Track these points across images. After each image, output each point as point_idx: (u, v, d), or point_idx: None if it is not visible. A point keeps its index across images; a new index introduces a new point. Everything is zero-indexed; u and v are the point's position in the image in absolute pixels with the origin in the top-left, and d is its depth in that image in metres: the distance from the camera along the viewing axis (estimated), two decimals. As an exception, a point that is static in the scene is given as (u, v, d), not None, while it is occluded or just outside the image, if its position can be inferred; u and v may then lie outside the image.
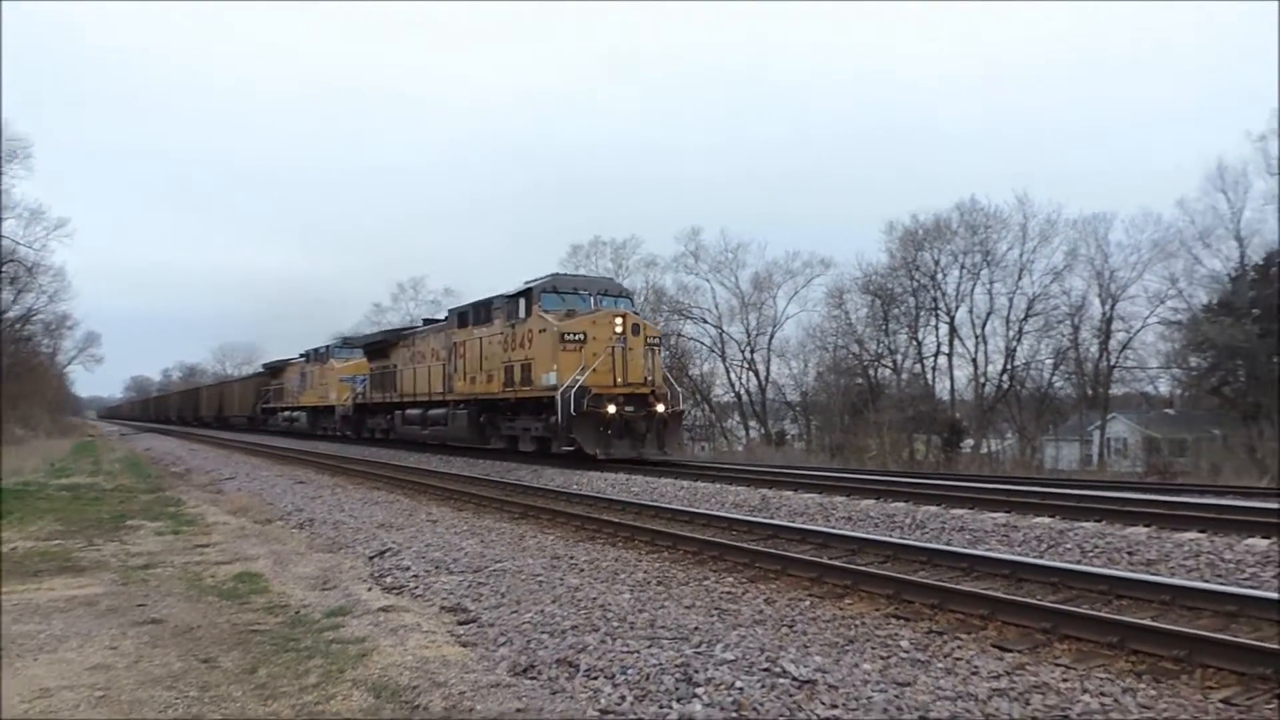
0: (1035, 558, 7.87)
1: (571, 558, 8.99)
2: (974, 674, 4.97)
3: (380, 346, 30.32)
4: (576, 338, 18.47)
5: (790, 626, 6.13)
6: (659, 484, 14.71)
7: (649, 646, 5.59)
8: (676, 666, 5.14)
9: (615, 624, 6.21)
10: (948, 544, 8.72)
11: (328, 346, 37.06)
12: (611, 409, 17.76)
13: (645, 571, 8.23)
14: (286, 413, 41.83)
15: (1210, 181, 43.37)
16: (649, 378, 18.76)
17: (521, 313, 19.95)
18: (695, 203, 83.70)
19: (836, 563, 7.84)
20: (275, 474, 21.07)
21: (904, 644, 5.60)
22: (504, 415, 21.17)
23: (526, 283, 20.31)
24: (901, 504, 11.20)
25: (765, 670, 5.04)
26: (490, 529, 11.26)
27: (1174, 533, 8.52)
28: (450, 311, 24.57)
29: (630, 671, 5.13)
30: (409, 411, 26.59)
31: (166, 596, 7.54)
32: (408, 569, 8.61)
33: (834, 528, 9.88)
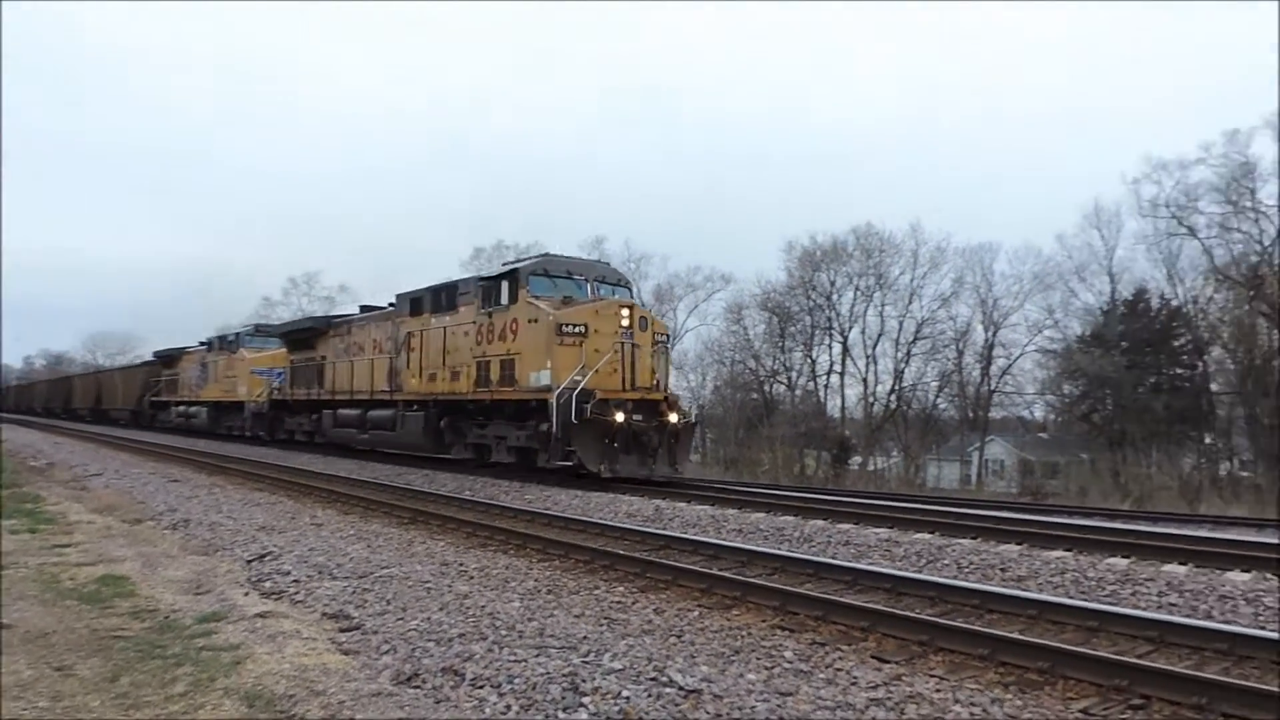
0: (915, 572, 8.15)
1: (461, 564, 8.84)
2: (853, 684, 5.11)
3: (304, 336, 26.43)
4: (576, 330, 15.37)
5: (679, 636, 6.17)
6: (554, 493, 14.63)
7: (537, 655, 5.53)
8: (564, 675, 5.11)
9: (503, 632, 6.13)
10: (833, 558, 8.95)
11: (237, 334, 32.81)
12: (620, 417, 14.79)
13: (536, 580, 8.16)
14: (182, 408, 37.20)
15: (1087, 220, 46.10)
16: (660, 381, 16.28)
17: (503, 298, 16.63)
18: (601, 212, 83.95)
19: (726, 574, 7.94)
20: (148, 471, 19.98)
21: (788, 655, 5.70)
22: (472, 420, 17.89)
23: (509, 263, 17.48)
24: (791, 518, 11.44)
25: (652, 680, 5.05)
26: (378, 534, 10.97)
27: (1043, 551, 8.97)
28: (399, 297, 20.87)
29: (517, 680, 5.07)
30: (343, 412, 22.90)
31: (18, 600, 7.04)
32: (288, 574, 8.29)
33: (725, 540, 10.01)
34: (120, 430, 40.50)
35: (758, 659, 5.61)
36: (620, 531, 10.56)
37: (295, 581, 7.95)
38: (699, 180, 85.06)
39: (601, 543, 9.91)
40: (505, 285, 16.74)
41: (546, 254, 17.51)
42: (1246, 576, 7.64)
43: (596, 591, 7.67)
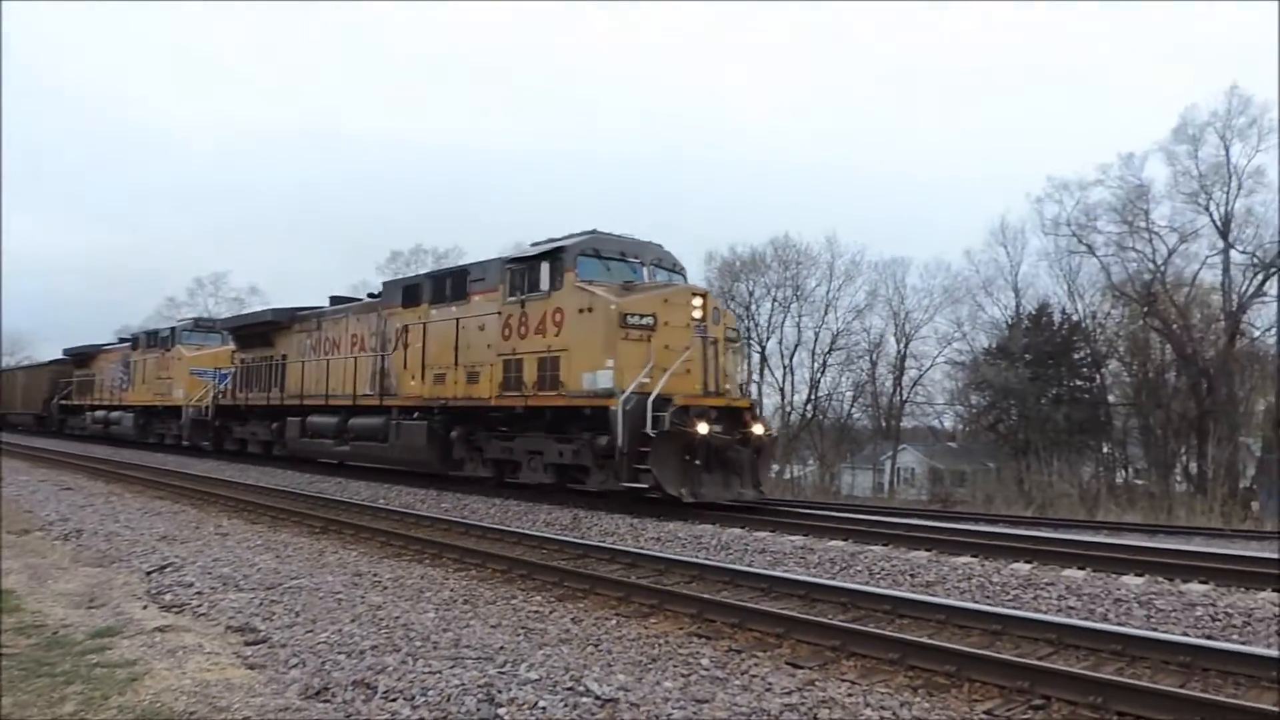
0: (828, 579, 8.30)
1: (375, 575, 8.63)
2: (768, 690, 5.16)
3: (259, 331, 23.12)
4: (644, 322, 12.65)
5: (596, 645, 6.15)
6: (469, 500, 14.44)
7: (452, 667, 5.44)
8: (479, 687, 5.03)
9: (418, 644, 6.01)
10: (750, 565, 9.04)
11: (172, 329, 28.93)
12: (703, 429, 12.15)
13: (452, 590, 8.03)
14: (101, 413, 32.94)
15: (994, 236, 47.90)
16: (743, 386, 14.40)
17: (543, 283, 13.69)
18: (523, 215, 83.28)
19: (644, 582, 7.95)
20: (37, 479, 18.97)
21: (705, 662, 5.74)
22: (493, 431, 14.95)
23: (554, 240, 14.10)
24: (708, 526, 11.53)
25: (569, 689, 5.02)
26: (287, 544, 10.64)
27: (951, 557, 9.24)
28: (388, 285, 18.37)
29: (431, 693, 4.97)
30: (314, 419, 19.52)
31: (-106, 615, 6.60)
32: (191, 585, 7.97)
33: (643, 548, 10.03)
34: (20, 438, 36.60)
35: (675, 667, 5.62)
36: (538, 540, 10.48)
37: (198, 594, 7.65)
38: (619, 184, 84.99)
39: (519, 552, 9.82)
40: (546, 268, 13.67)
41: (594, 231, 14.04)
42: (1140, 580, 8.00)
43: (514, 601, 7.59)
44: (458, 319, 15.47)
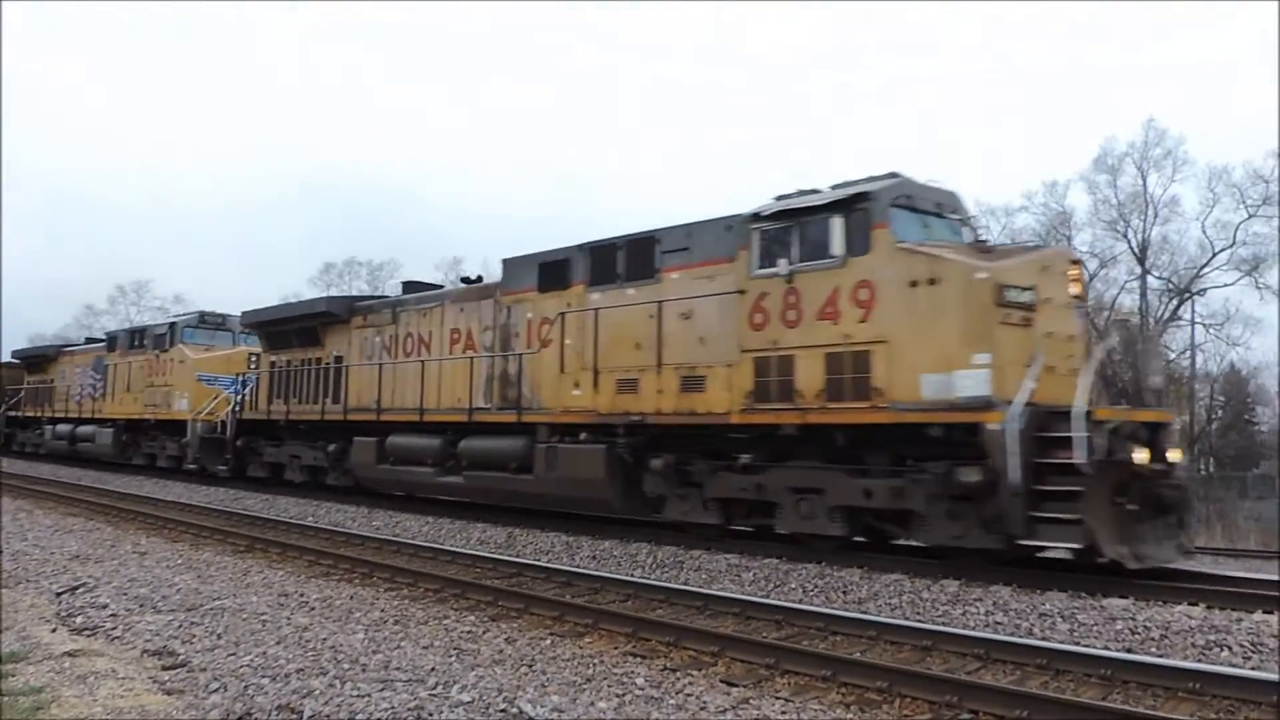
0: (763, 597, 8.34)
1: (302, 595, 8.39)
2: (702, 709, 5.15)
3: (300, 326, 18.56)
4: (1024, 298, 9.01)
5: (530, 666, 6.06)
6: (402, 519, 14.17)
7: (381, 689, 5.30)
8: (410, 710, 4.91)
9: (346, 666, 5.84)
10: (685, 583, 9.04)
11: (171, 324, 23.73)
12: (1141, 457, 8.35)
13: (383, 610, 7.84)
14: (65, 427, 27.31)
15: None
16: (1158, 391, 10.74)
17: (834, 245, 9.80)
18: (459, 229, 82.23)
19: (579, 601, 7.89)
20: (-57, 496, 18.05)
21: (640, 681, 5.70)
22: (720, 460, 10.94)
23: (853, 183, 10.31)
24: (644, 544, 11.49)
25: (502, 711, 4.93)
26: (210, 563, 10.29)
27: (882, 574, 9.36)
28: (511, 263, 13.97)
29: (359, 717, 4.84)
30: (400, 440, 14.99)
31: None
32: (105, 607, 7.64)
33: (578, 566, 9.95)
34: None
35: (609, 686, 5.57)
36: (471, 559, 10.32)
37: (112, 616, 7.33)
38: (545, 195, 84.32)
39: (452, 571, 9.66)
40: (838, 223, 9.83)
41: (898, 175, 10.26)
42: (1063, 595, 8.21)
43: (446, 621, 7.45)
44: (659, 303, 11.41)
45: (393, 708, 4.95)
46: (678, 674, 5.94)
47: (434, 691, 5.27)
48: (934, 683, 5.43)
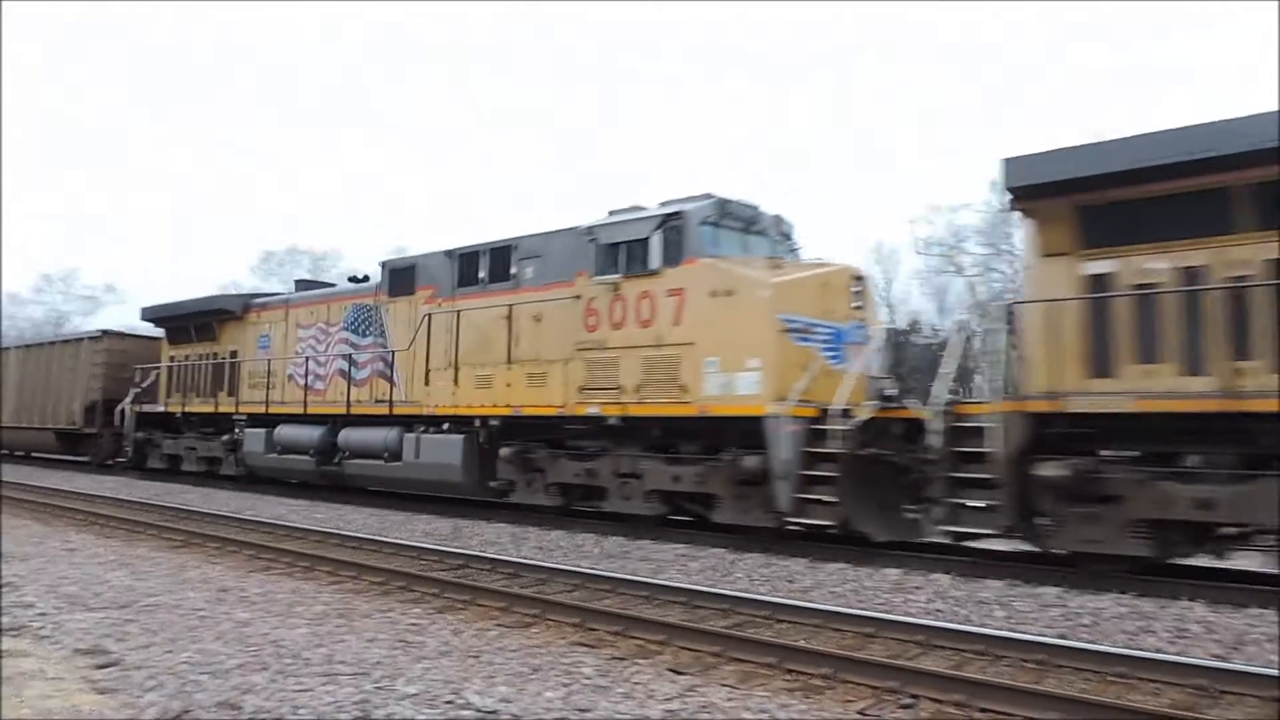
0: (710, 586, 8.40)
1: (242, 590, 8.22)
2: (650, 697, 5.18)
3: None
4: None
5: (477, 657, 6.03)
6: (344, 511, 13.96)
7: (325, 684, 5.22)
8: (355, 704, 4.85)
9: (288, 661, 5.74)
10: (633, 573, 9.07)
11: (670, 217, 11.28)
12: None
13: (326, 604, 7.72)
14: (297, 431, 17.05)
15: (870, 255, 49.94)
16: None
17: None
18: (412, 217, 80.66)
19: (526, 592, 7.87)
20: None
21: (587, 671, 5.70)
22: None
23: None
24: (590, 534, 11.50)
25: (449, 703, 4.89)
26: (145, 559, 10.02)
27: (826, 563, 9.51)
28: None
29: (303, 711, 4.76)
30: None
31: None
32: (31, 606, 7.38)
33: (525, 557, 9.92)
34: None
35: (557, 676, 5.57)
36: (416, 551, 10.22)
37: (40, 615, 7.09)
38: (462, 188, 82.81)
39: (397, 563, 9.55)
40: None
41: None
42: (1000, 583, 8.43)
43: (391, 614, 7.36)
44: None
45: (337, 701, 4.88)
46: (625, 663, 5.96)
47: (379, 685, 5.21)
48: (876, 668, 5.53)
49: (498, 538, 11.45)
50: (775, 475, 9.89)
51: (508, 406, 12.82)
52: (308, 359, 16.77)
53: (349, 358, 15.76)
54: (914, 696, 5.23)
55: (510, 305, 12.94)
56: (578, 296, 12.09)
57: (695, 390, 10.71)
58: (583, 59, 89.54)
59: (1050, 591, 8.01)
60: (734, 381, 10.40)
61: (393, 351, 14.88)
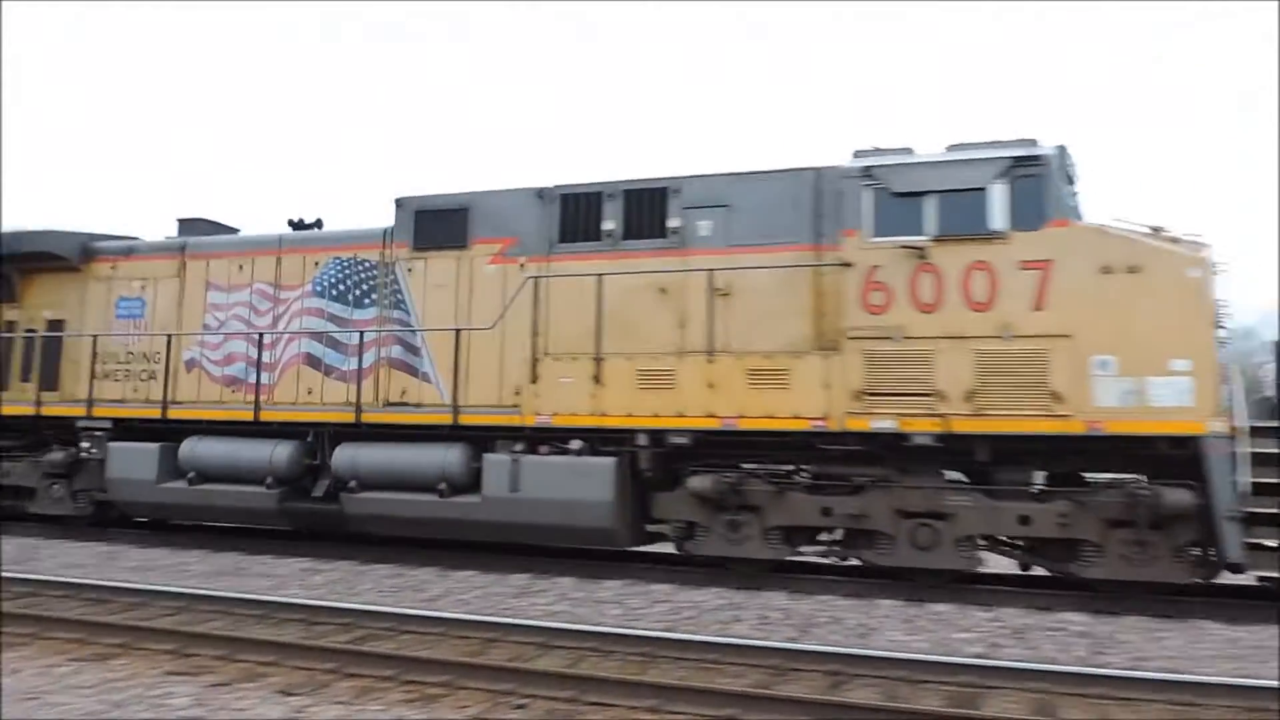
0: (332, 600, 8.01)
1: None
2: (251, 724, 4.80)
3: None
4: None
5: (36, 699, 5.18)
6: None
7: None
8: None
9: None
10: (245, 592, 8.38)
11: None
12: None
13: None
14: (226, 448, 11.27)
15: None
16: None
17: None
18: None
19: (111, 619, 6.94)
20: None
21: (179, 701, 5.16)
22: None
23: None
24: (199, 550, 10.46)
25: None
26: None
27: (455, 570, 9.51)
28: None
29: None
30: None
31: None
32: None
33: (115, 580, 8.75)
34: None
35: (140, 711, 4.96)
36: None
37: None
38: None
39: None
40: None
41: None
42: (618, 583, 8.99)
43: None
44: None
45: None
46: (228, 688, 5.47)
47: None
48: (494, 672, 5.62)
49: (82, 561, 9.97)
50: (1222, 515, 7.54)
51: (710, 417, 8.93)
52: (226, 337, 11.41)
53: (329, 338, 10.87)
54: (530, 697, 5.37)
55: (708, 270, 9.15)
56: (850, 264, 8.69)
57: (1078, 399, 7.91)
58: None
59: (663, 588, 8.69)
60: (1147, 389, 7.80)
61: (416, 330, 10.43)
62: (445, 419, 9.85)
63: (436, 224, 10.51)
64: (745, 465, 9.07)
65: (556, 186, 10.03)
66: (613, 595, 8.40)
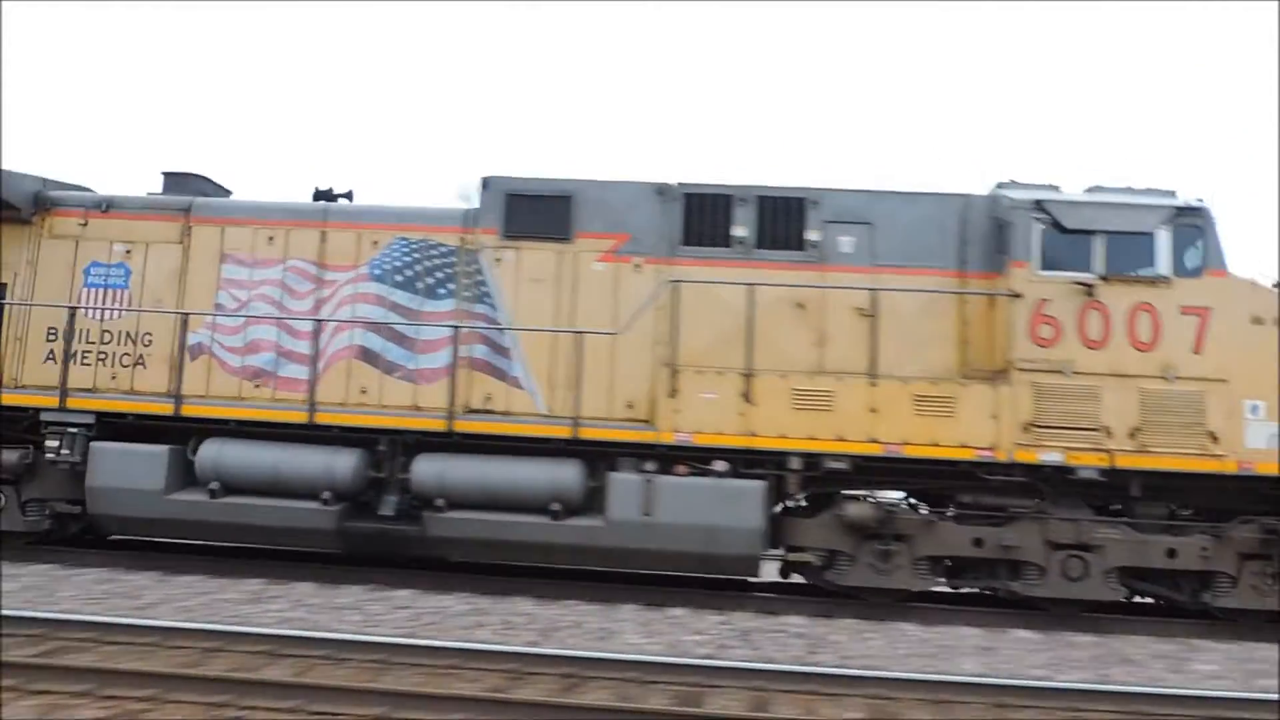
0: (25, 609, 7.16)
1: None
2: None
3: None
4: None
5: None
6: None
7: None
8: None
9: None
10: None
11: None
12: None
13: None
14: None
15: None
16: None
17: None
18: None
19: None
20: None
21: None
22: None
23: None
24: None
25: None
26: None
27: (178, 575, 8.83)
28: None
29: None
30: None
31: None
32: None
33: None
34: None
35: None
36: None
37: None
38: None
39: None
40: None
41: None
42: (360, 589, 8.70)
43: None
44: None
45: None
46: (-128, 712, 4.74)
47: None
48: (211, 683, 5.27)
49: None
50: None
51: (873, 442, 8.62)
52: (248, 321, 9.55)
53: (393, 330, 9.40)
54: (250, 707, 5.08)
55: (867, 290, 8.94)
56: (1018, 295, 8.77)
57: (1231, 440, 8.48)
58: None
59: (403, 594, 8.52)
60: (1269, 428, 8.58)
61: (507, 330, 9.33)
62: (560, 431, 8.89)
63: (533, 211, 9.53)
64: (887, 494, 9.07)
65: (680, 184, 9.50)
66: (353, 601, 8.12)
